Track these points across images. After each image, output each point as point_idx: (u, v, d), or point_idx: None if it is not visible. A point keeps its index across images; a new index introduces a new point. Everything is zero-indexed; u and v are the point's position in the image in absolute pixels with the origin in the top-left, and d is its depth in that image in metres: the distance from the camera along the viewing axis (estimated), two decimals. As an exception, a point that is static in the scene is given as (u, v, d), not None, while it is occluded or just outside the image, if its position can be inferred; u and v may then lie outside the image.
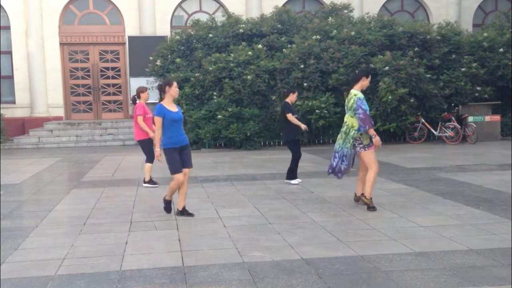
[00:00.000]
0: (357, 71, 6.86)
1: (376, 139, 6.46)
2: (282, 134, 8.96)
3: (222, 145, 14.89)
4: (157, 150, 6.41)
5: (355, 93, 6.47)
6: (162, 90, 6.30)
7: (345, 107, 6.65)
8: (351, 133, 6.49)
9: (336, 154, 6.71)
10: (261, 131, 14.50)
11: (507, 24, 16.67)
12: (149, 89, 17.39)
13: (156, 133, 6.38)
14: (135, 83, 17.38)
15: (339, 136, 6.76)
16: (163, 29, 18.28)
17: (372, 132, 6.43)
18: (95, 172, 10.60)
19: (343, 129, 6.65)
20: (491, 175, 9.11)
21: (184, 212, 6.49)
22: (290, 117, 8.54)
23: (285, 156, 12.21)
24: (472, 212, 6.39)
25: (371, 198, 6.54)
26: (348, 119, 6.55)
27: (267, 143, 14.90)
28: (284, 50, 14.78)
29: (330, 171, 6.87)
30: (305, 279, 4.19)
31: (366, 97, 15.85)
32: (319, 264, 4.53)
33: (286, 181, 8.68)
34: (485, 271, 4.28)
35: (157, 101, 5.99)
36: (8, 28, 17.89)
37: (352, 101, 6.41)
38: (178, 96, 14.71)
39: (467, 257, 4.65)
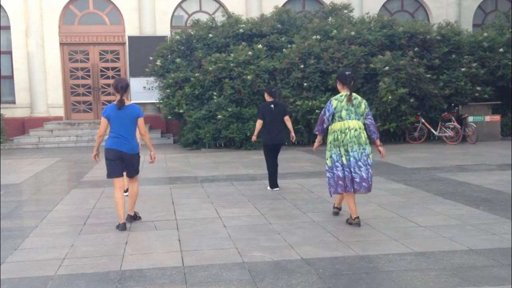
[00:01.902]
0: (350, 73, 6.01)
1: (383, 150, 6.14)
2: (281, 136, 8.28)
3: (222, 145, 14.89)
4: (153, 153, 6.23)
5: (362, 98, 6.06)
6: (126, 90, 5.87)
7: (348, 112, 5.85)
8: (366, 139, 5.91)
9: (360, 163, 5.79)
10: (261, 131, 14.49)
11: (507, 24, 16.67)
12: (149, 89, 17.58)
13: (147, 136, 6.13)
14: (135, 83, 17.41)
15: (351, 146, 5.79)
16: (163, 29, 18.26)
17: (378, 142, 6.11)
18: (95, 172, 10.59)
19: (360, 140, 5.81)
20: (491, 175, 9.11)
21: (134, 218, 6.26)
22: (289, 119, 8.36)
23: (284, 156, 12.22)
24: (472, 212, 6.39)
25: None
26: (360, 125, 5.87)
27: (267, 143, 14.89)
28: (284, 50, 14.78)
29: (364, 186, 5.83)
30: (305, 279, 4.19)
31: (366, 97, 15.84)
32: (319, 264, 4.53)
33: (274, 189, 8.17)
34: (485, 271, 4.28)
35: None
36: (8, 28, 17.88)
37: (364, 106, 5.92)
38: (178, 96, 14.90)
39: (467, 257, 4.65)
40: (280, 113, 8.21)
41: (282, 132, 8.26)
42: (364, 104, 5.94)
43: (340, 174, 5.89)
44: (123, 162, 5.96)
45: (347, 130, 5.82)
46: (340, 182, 5.89)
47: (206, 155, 13.17)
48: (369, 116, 5.99)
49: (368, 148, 5.86)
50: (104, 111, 5.94)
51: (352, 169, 5.81)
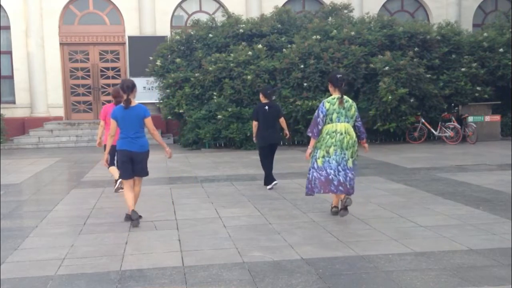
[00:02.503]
0: (341, 75, 6.13)
1: (367, 146, 6.44)
2: (278, 136, 8.43)
3: (222, 145, 14.89)
4: (168, 149, 6.48)
5: (352, 101, 6.15)
6: (132, 89, 5.95)
7: (339, 114, 5.96)
8: (355, 143, 6.05)
9: (340, 167, 5.92)
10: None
11: (507, 24, 16.66)
12: (149, 89, 17.57)
13: (157, 134, 6.26)
14: (136, 83, 17.37)
15: (334, 149, 5.92)
16: (163, 29, 18.26)
17: (365, 140, 6.36)
18: (95, 172, 10.59)
19: (342, 145, 5.93)
20: (491, 175, 9.11)
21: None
22: (284, 121, 8.42)
23: (284, 156, 12.23)
24: (472, 212, 6.39)
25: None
26: (347, 128, 5.98)
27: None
28: (284, 50, 14.77)
29: (341, 190, 5.95)
30: (305, 279, 4.19)
31: (366, 97, 15.76)
32: (319, 264, 4.53)
33: (273, 183, 8.20)
34: (485, 271, 4.28)
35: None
36: (8, 28, 17.87)
37: (354, 108, 6.05)
38: (178, 96, 14.90)
39: (467, 257, 4.65)
40: (274, 114, 8.25)
41: (276, 133, 8.34)
42: (354, 107, 6.11)
43: (310, 177, 6.16)
44: (133, 163, 6.07)
45: (333, 134, 5.96)
46: (308, 185, 6.19)
47: (206, 155, 13.17)
48: (359, 119, 6.20)
49: (348, 153, 5.99)
50: (112, 112, 6.09)
51: (333, 171, 5.96)
